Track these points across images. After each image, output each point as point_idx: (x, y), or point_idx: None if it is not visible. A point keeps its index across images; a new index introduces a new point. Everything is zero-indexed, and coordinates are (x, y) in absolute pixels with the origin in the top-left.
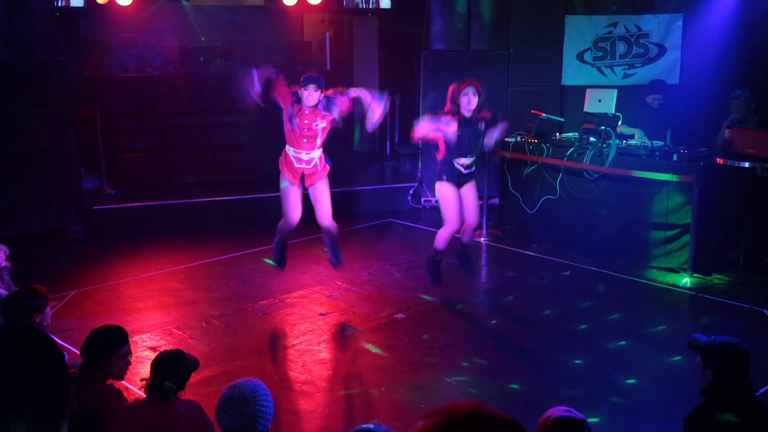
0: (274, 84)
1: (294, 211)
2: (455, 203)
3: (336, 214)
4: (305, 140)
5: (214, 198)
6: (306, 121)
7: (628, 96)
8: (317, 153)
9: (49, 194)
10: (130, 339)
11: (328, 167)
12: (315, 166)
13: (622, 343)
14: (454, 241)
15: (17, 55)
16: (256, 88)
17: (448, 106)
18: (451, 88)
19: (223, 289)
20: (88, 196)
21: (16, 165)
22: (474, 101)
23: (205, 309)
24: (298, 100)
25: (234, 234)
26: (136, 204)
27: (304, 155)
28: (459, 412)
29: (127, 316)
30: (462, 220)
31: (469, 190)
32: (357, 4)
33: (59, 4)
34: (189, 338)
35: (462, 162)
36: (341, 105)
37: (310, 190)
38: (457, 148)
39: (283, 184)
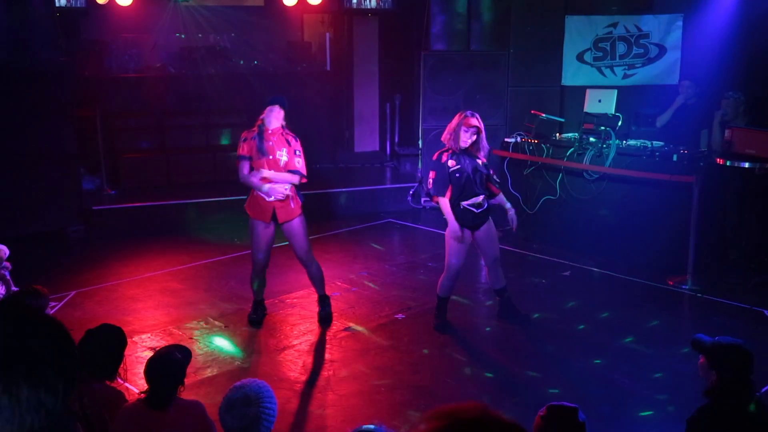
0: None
1: (263, 251)
2: (459, 248)
3: (336, 215)
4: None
5: (214, 198)
6: (271, 144)
7: (629, 96)
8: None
9: (49, 194)
10: (129, 339)
11: (300, 202)
12: (288, 199)
13: (623, 343)
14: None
15: (17, 55)
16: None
17: (447, 138)
18: (455, 119)
19: (223, 289)
20: (88, 196)
21: (16, 165)
22: (473, 138)
23: (205, 309)
24: (261, 132)
25: (234, 234)
26: (136, 204)
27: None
28: (464, 418)
29: (127, 316)
30: (462, 263)
31: (486, 231)
32: (360, 1)
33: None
34: (189, 338)
35: (468, 204)
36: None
37: (285, 228)
38: (460, 188)
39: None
